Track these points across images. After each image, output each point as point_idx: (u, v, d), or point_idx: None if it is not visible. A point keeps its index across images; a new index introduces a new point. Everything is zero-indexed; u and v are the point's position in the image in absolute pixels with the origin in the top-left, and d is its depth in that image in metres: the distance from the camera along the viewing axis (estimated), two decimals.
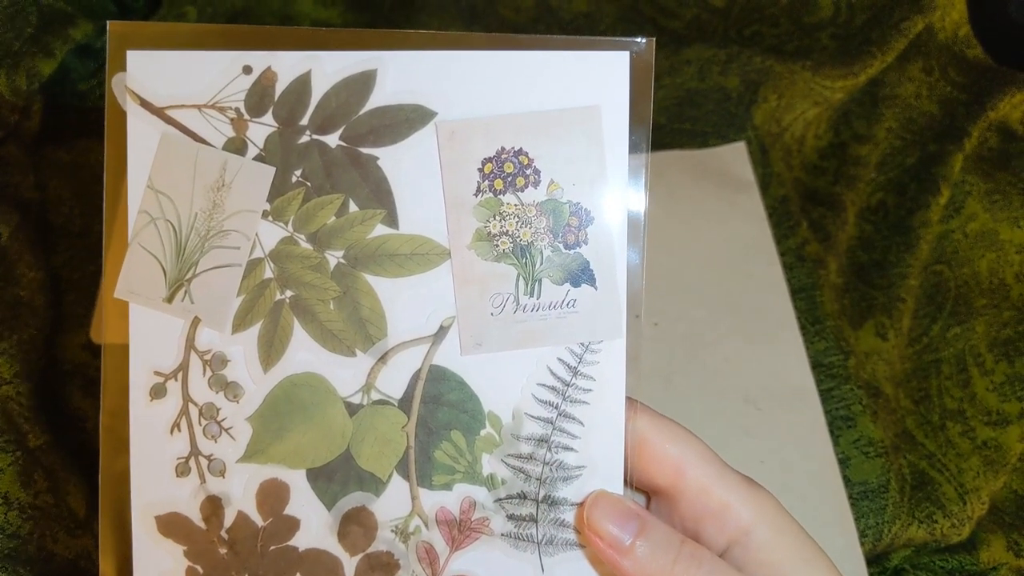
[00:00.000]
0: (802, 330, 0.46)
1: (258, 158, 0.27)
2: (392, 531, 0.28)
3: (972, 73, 0.44)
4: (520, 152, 0.27)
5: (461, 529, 0.28)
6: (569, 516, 0.28)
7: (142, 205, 0.27)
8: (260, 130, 0.27)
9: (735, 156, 0.50)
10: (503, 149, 0.27)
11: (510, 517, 0.28)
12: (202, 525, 0.28)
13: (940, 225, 0.45)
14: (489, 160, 0.27)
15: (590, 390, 0.28)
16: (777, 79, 0.50)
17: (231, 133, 0.27)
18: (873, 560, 0.43)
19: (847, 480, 0.42)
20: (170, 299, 0.28)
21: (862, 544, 0.42)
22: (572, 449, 0.28)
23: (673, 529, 0.27)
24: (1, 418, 0.40)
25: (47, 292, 0.43)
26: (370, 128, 0.27)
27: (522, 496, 0.28)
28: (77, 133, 0.48)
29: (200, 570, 0.28)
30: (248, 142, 0.27)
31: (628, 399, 0.28)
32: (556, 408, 0.28)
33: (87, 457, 0.42)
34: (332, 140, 0.27)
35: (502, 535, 0.28)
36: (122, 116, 0.27)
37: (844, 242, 0.48)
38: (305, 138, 0.27)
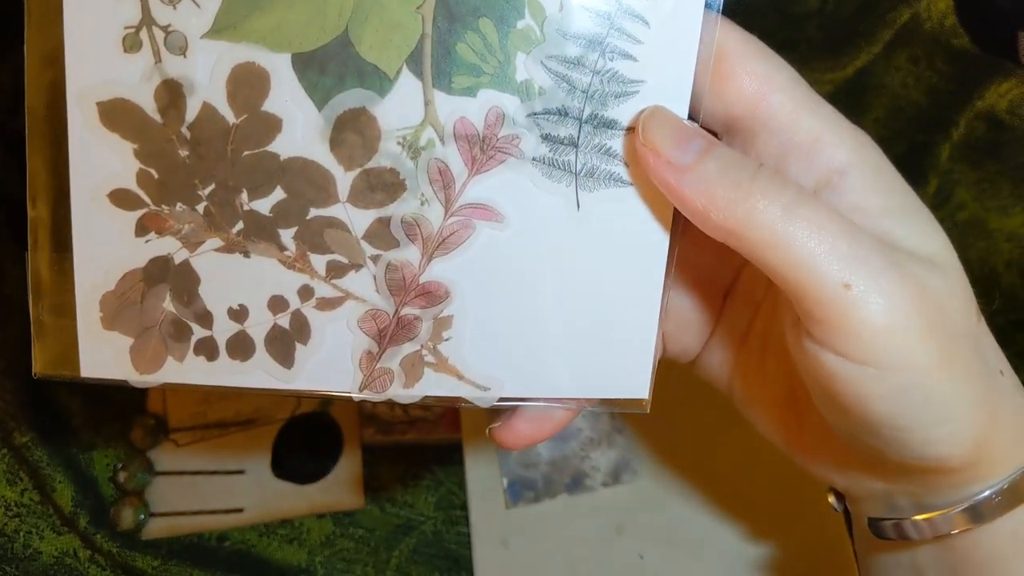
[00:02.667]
0: None
1: None
2: (399, 143, 0.23)
3: (959, 62, 0.44)
4: None
5: (484, 147, 0.23)
6: (617, 144, 0.23)
7: None
8: None
9: None
10: None
11: (545, 138, 0.23)
12: (157, 117, 0.22)
13: None
14: None
15: None
16: None
17: None
18: None
19: None
20: None
21: None
22: (631, 57, 0.22)
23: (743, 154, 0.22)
24: None
25: None
26: None
27: (562, 112, 0.23)
28: None
29: (155, 175, 0.23)
30: None
31: None
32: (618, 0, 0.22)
33: (73, 454, 0.44)
34: None
35: (533, 159, 0.23)
36: None
37: None
38: None
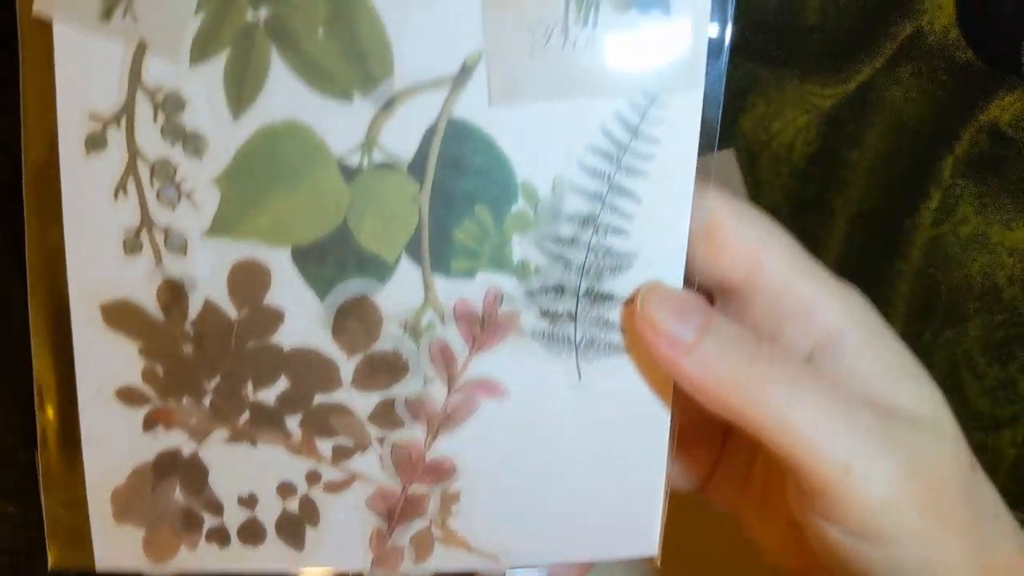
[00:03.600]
0: None
1: None
2: (400, 326, 0.23)
3: (961, 76, 0.44)
4: None
5: (484, 326, 0.23)
6: (614, 315, 0.23)
7: None
8: None
9: (724, 163, 0.50)
10: None
11: (544, 313, 0.23)
12: (160, 316, 0.23)
13: (931, 229, 0.45)
14: None
15: (652, 157, 0.22)
16: (765, 86, 0.50)
17: None
18: None
19: None
20: (107, 14, 0.21)
21: None
22: (624, 232, 0.23)
23: (743, 328, 0.22)
24: None
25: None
26: None
27: (559, 289, 0.23)
28: None
29: (160, 371, 0.23)
30: None
31: (700, 171, 0.22)
32: (608, 180, 0.22)
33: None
34: None
35: (533, 334, 0.23)
36: None
37: (834, 248, 0.48)
38: None
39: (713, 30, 0.22)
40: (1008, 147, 0.43)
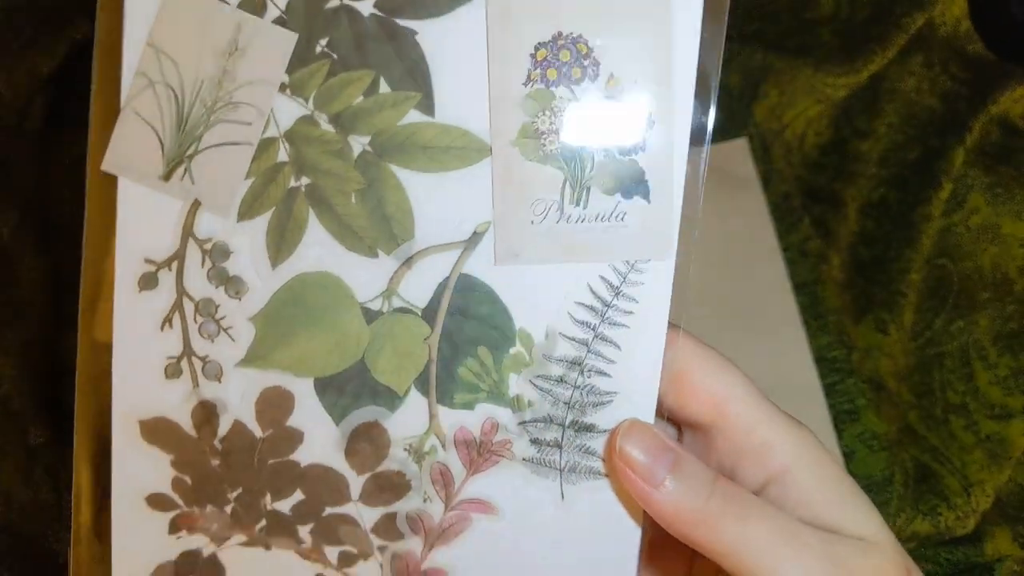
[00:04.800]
0: (805, 325, 0.46)
1: (278, 21, 0.23)
2: (405, 450, 0.26)
3: (973, 67, 0.44)
4: (579, 39, 0.24)
5: (481, 451, 0.26)
6: (595, 444, 0.26)
7: (140, 65, 0.23)
8: None
9: (737, 153, 0.50)
10: (560, 34, 0.24)
11: (533, 441, 0.26)
12: (192, 433, 0.25)
13: (942, 219, 0.45)
14: (543, 45, 0.24)
15: (631, 312, 0.26)
16: (778, 76, 0.50)
17: None
18: None
19: (852, 474, 0.42)
20: (167, 176, 0.24)
21: None
22: (606, 374, 0.26)
23: (707, 466, 0.26)
24: (2, 416, 0.40)
25: (48, 291, 0.44)
26: None
27: (548, 420, 0.26)
28: (79, 132, 0.46)
29: (188, 481, 0.26)
30: (268, 1, 0.23)
31: (671, 325, 0.26)
32: (593, 330, 0.26)
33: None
34: (365, 7, 0.23)
35: (523, 460, 0.26)
36: None
37: (845, 237, 0.48)
38: (334, 2, 0.23)
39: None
40: (1019, 139, 0.43)
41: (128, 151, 0.24)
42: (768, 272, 0.49)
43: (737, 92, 0.51)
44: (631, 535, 0.27)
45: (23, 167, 0.44)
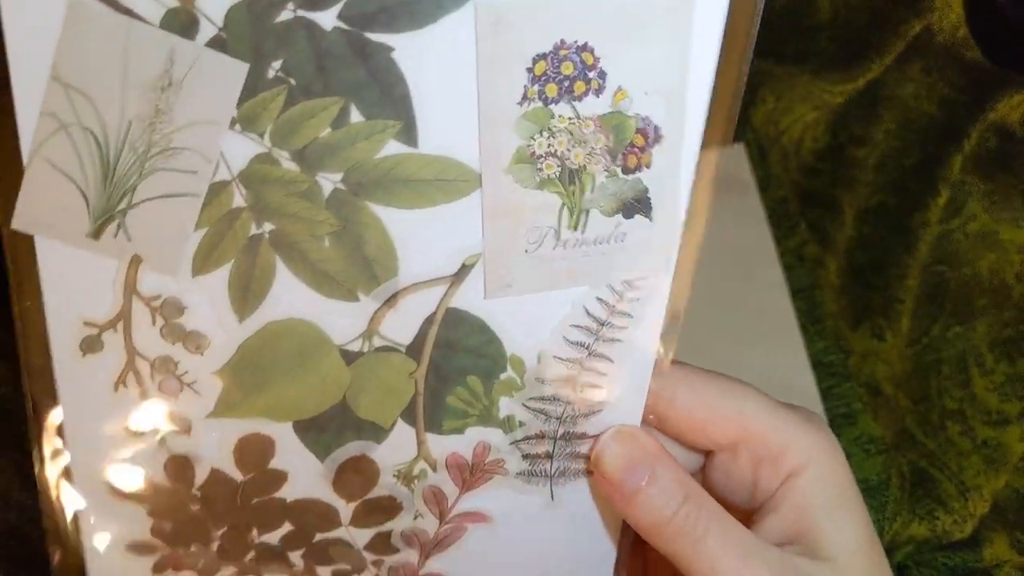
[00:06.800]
0: (802, 329, 0.47)
1: (215, 41, 0.18)
2: (394, 476, 0.25)
3: (971, 74, 0.43)
4: (584, 48, 0.20)
5: (473, 472, 0.26)
6: (585, 448, 0.26)
7: (46, 105, 0.18)
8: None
9: (734, 158, 0.50)
10: (562, 43, 0.20)
11: (525, 456, 0.26)
12: (167, 483, 0.24)
13: (939, 226, 0.45)
14: (543, 57, 0.20)
15: (625, 327, 0.24)
16: (776, 82, 0.49)
17: (174, 2, 0.18)
18: None
19: None
20: (96, 234, 0.20)
21: None
22: (599, 387, 0.25)
23: (682, 480, 0.26)
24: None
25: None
26: (381, 5, 0.19)
27: (540, 435, 0.26)
28: None
29: (168, 527, 0.24)
30: (200, 16, 0.18)
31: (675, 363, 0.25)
32: (588, 349, 0.25)
33: None
34: (327, 18, 0.19)
35: (516, 474, 0.26)
36: None
37: (843, 243, 0.48)
38: (287, 14, 0.19)
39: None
40: (1017, 146, 0.43)
41: (43, 207, 0.19)
42: (765, 277, 0.48)
43: None
44: (612, 523, 0.28)
45: None
